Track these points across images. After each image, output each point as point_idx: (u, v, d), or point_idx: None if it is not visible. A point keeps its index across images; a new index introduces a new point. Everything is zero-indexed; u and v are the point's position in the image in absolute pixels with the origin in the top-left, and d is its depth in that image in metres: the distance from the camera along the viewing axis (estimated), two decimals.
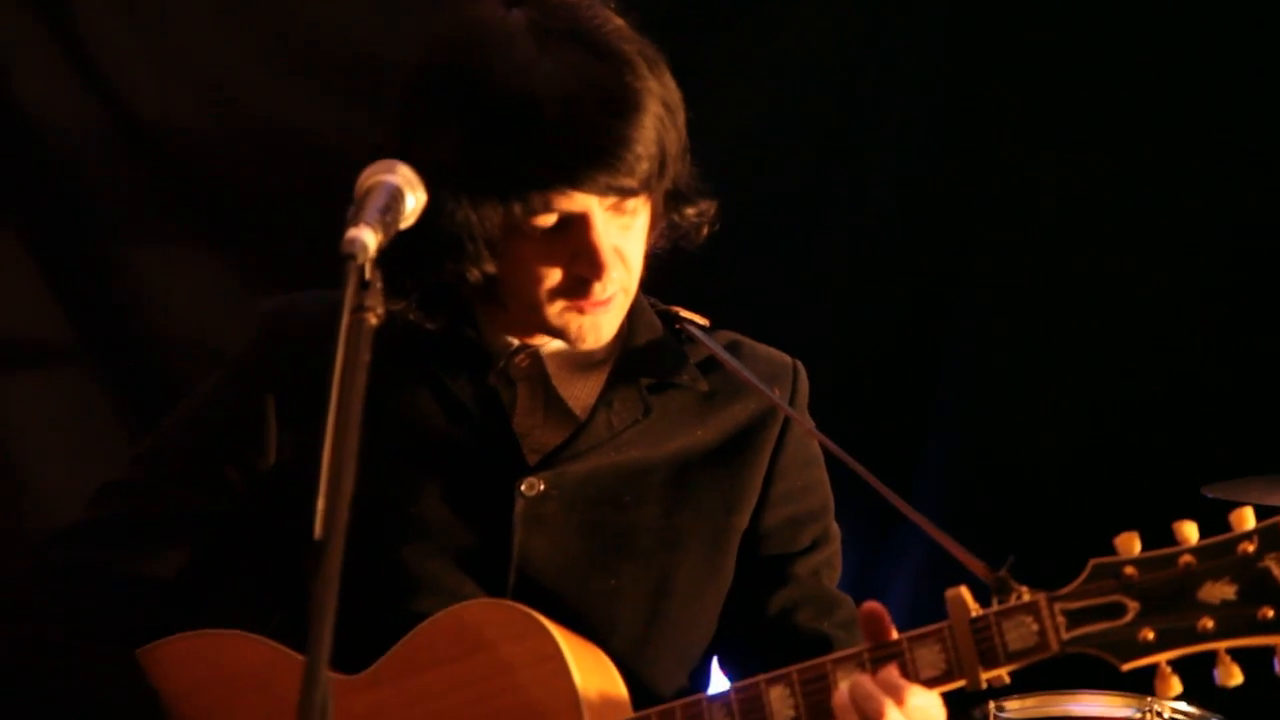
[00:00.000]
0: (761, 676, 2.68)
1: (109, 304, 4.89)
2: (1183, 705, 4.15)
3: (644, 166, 2.72)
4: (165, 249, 4.88)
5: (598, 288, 2.78)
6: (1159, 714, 4.12)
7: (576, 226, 2.76)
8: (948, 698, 4.18)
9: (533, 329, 2.90)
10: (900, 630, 2.65)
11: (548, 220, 2.76)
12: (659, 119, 2.75)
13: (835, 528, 3.05)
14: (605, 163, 2.70)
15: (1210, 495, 4.15)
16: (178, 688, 2.89)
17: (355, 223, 2.34)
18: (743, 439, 2.98)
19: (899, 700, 2.58)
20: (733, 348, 3.00)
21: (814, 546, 3.01)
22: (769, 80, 5.04)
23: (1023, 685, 4.15)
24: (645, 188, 2.75)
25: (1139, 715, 4.14)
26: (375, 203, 2.41)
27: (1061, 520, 4.67)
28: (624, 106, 2.72)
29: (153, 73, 4.84)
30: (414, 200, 2.46)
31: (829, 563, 3.03)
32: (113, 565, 2.92)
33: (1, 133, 4.83)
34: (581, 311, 2.81)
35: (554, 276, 2.79)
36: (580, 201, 2.73)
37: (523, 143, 2.70)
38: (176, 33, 4.83)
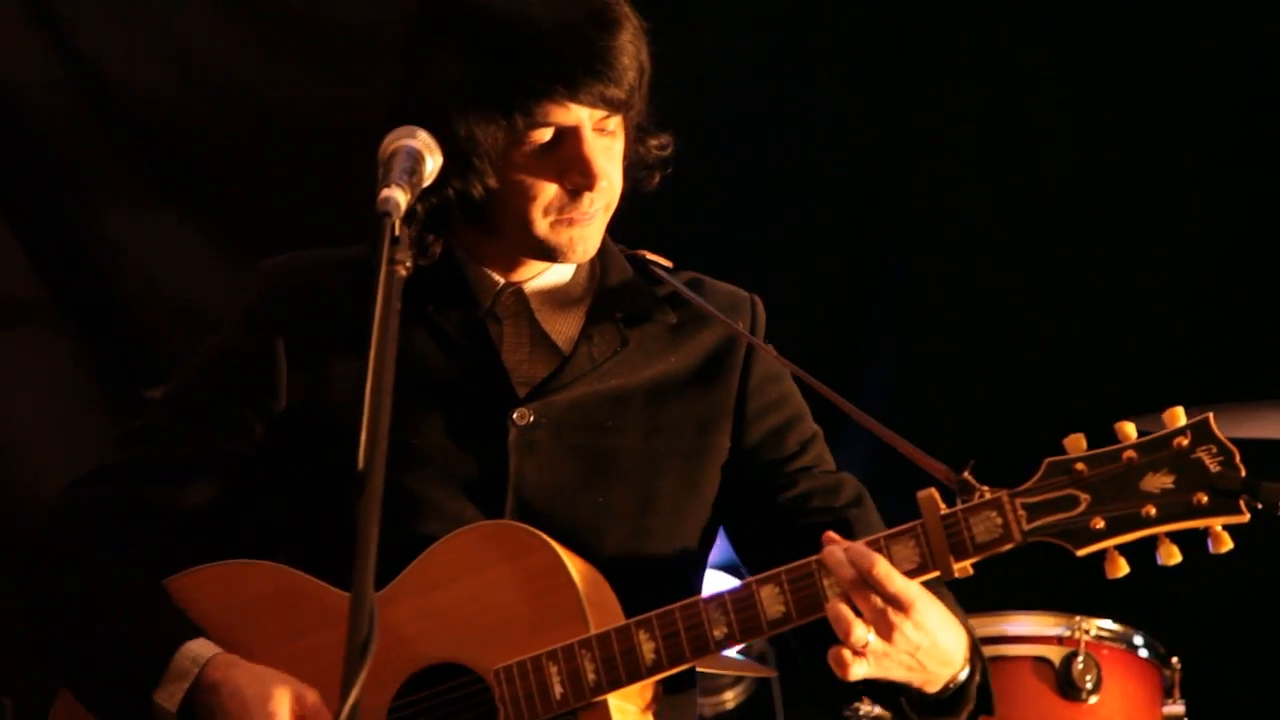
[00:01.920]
0: (752, 578, 2.91)
1: (83, 269, 5.00)
2: (1106, 623, 4.40)
3: (629, 78, 2.98)
4: (142, 217, 5.00)
5: (587, 199, 3.03)
6: (1086, 631, 4.36)
7: (569, 141, 3.00)
8: None
9: (518, 256, 3.12)
10: None
11: (544, 135, 3.00)
12: (636, 40, 3.01)
13: (814, 426, 3.25)
14: (598, 71, 2.96)
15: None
16: (203, 612, 3.06)
17: (386, 184, 2.62)
18: (711, 365, 3.20)
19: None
20: (694, 285, 3.23)
21: (802, 450, 3.21)
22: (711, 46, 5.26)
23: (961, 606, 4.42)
24: (629, 103, 3.01)
25: (1068, 633, 4.38)
26: (401, 165, 2.69)
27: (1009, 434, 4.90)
28: (610, 25, 2.98)
29: (126, 41, 4.96)
30: (432, 162, 2.74)
31: (820, 458, 3.23)
32: (139, 501, 3.10)
33: None
34: (571, 224, 3.05)
35: (548, 191, 3.02)
36: (574, 114, 2.98)
37: (522, 58, 2.95)
38: (152, 8, 4.98)
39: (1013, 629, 4.41)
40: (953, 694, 2.95)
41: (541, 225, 3.05)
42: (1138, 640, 4.45)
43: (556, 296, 3.17)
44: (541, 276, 3.15)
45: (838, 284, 5.43)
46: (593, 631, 2.93)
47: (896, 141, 5.39)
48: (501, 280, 3.14)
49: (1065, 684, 4.34)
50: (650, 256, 3.25)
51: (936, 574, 2.85)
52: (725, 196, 5.27)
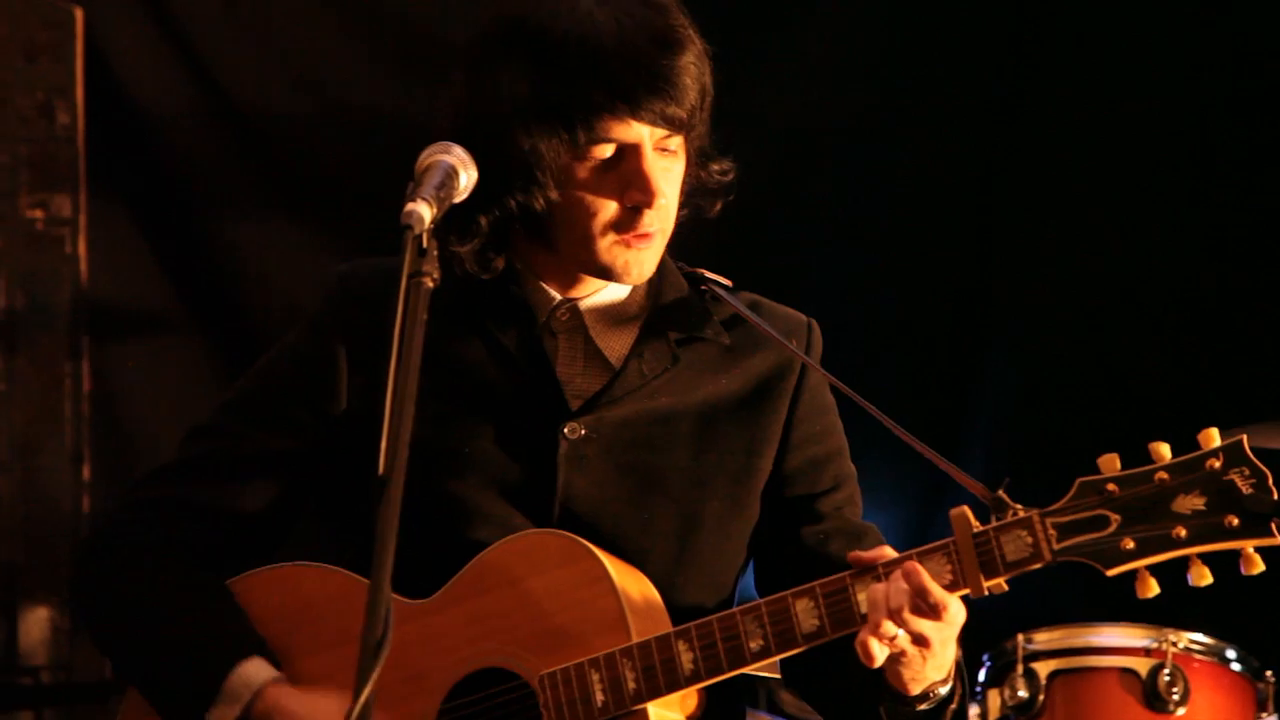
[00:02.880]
0: (788, 591, 2.95)
1: (212, 277, 5.24)
2: (1198, 636, 4.40)
3: (690, 99, 3.03)
4: (260, 224, 5.22)
5: (646, 217, 3.07)
6: (1174, 643, 4.36)
7: (630, 157, 3.05)
8: (982, 633, 4.42)
9: (576, 273, 3.17)
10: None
11: (605, 151, 3.05)
12: (699, 62, 3.05)
13: (851, 467, 3.29)
14: (659, 89, 3.01)
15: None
16: (261, 614, 3.13)
17: (413, 198, 2.69)
18: (763, 388, 3.22)
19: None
20: (753, 306, 3.26)
21: (835, 486, 3.24)
22: (818, 73, 5.31)
23: (1048, 619, 4.41)
24: (690, 123, 3.05)
25: (1155, 645, 4.39)
26: (432, 180, 2.75)
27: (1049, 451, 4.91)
28: (673, 45, 3.03)
29: (251, 59, 5.19)
30: (466, 177, 2.80)
31: (851, 499, 3.26)
32: (197, 501, 3.19)
33: (111, 121, 5.10)
34: (628, 246, 3.09)
35: (608, 208, 3.07)
36: (635, 130, 3.03)
37: (586, 75, 3.00)
38: (273, 24, 5.18)
39: (1100, 640, 4.44)
40: (931, 709, 2.97)
41: (601, 243, 3.09)
42: (1230, 654, 4.44)
43: (612, 313, 3.21)
44: (598, 294, 3.20)
45: (954, 309, 5.44)
46: (634, 640, 2.98)
47: (1014, 159, 5.38)
48: (559, 296, 3.19)
49: (1151, 695, 4.36)
50: (709, 275, 3.27)
51: (966, 591, 2.87)
52: (835, 218, 5.30)
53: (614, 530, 3.11)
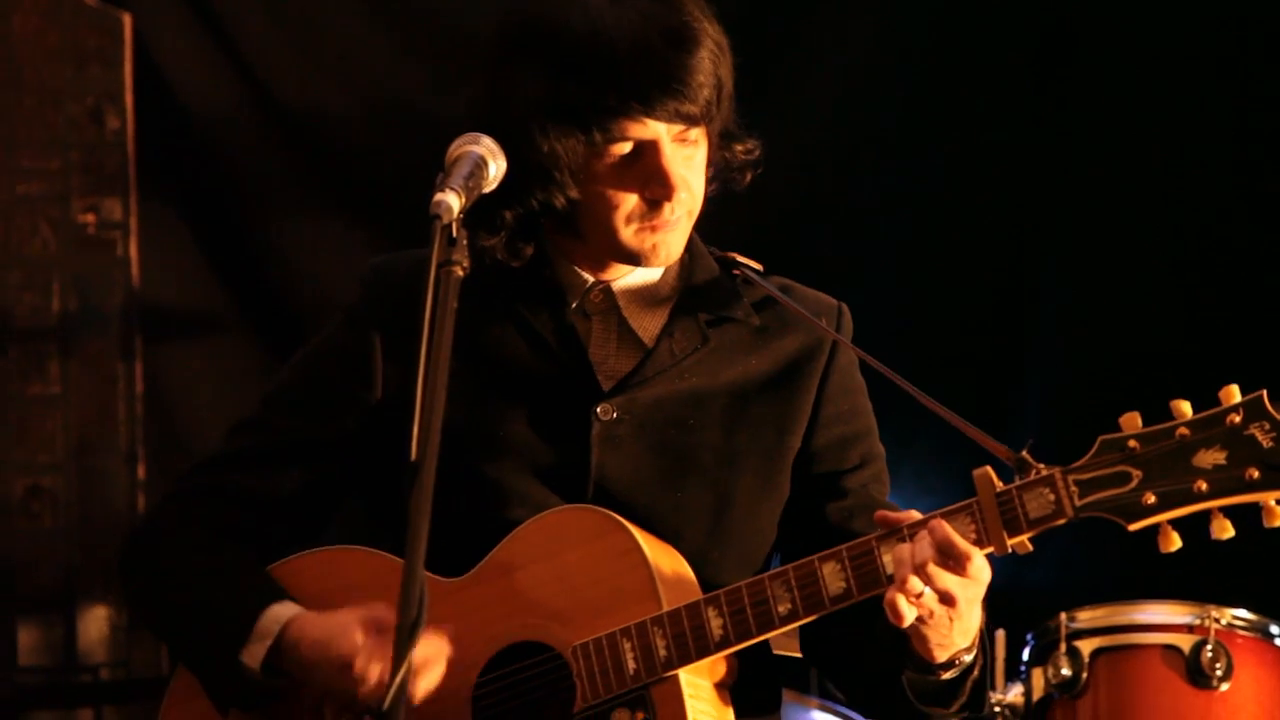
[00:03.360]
0: (815, 555, 2.99)
1: (261, 277, 5.34)
2: (1241, 611, 4.41)
3: (705, 94, 3.06)
4: (308, 223, 5.32)
5: (668, 208, 3.11)
6: (1217, 620, 4.37)
7: (648, 153, 3.09)
8: (1026, 613, 4.42)
9: (606, 259, 3.22)
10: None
11: (623, 148, 3.10)
12: (714, 55, 3.08)
13: (880, 447, 3.33)
14: (673, 89, 3.04)
15: None
16: (304, 596, 3.19)
17: (442, 188, 2.76)
18: (793, 369, 3.26)
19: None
20: (784, 290, 3.30)
21: (862, 464, 3.28)
22: (855, 67, 5.35)
23: (1091, 597, 4.42)
24: (706, 116, 3.09)
25: (1198, 621, 4.40)
26: (461, 170, 2.82)
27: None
28: (686, 42, 3.06)
29: (297, 61, 5.29)
30: (495, 168, 2.87)
31: (877, 477, 3.30)
32: (239, 489, 3.26)
33: (160, 119, 5.19)
34: (654, 230, 3.14)
35: (630, 201, 3.11)
36: (651, 128, 3.07)
37: (601, 76, 3.05)
38: (314, 22, 5.28)
39: (1143, 617, 4.45)
40: (954, 678, 3.00)
41: (625, 232, 3.14)
42: (1274, 629, 4.44)
43: (644, 294, 3.26)
44: (630, 275, 3.25)
45: (998, 298, 5.47)
46: (665, 610, 3.02)
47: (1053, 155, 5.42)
48: (591, 278, 3.23)
49: (1195, 672, 4.36)
50: (741, 259, 3.32)
51: (991, 548, 2.90)
52: (878, 211, 5.34)
53: (648, 509, 3.15)
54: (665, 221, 3.12)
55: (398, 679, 2.34)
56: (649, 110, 3.04)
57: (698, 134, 3.12)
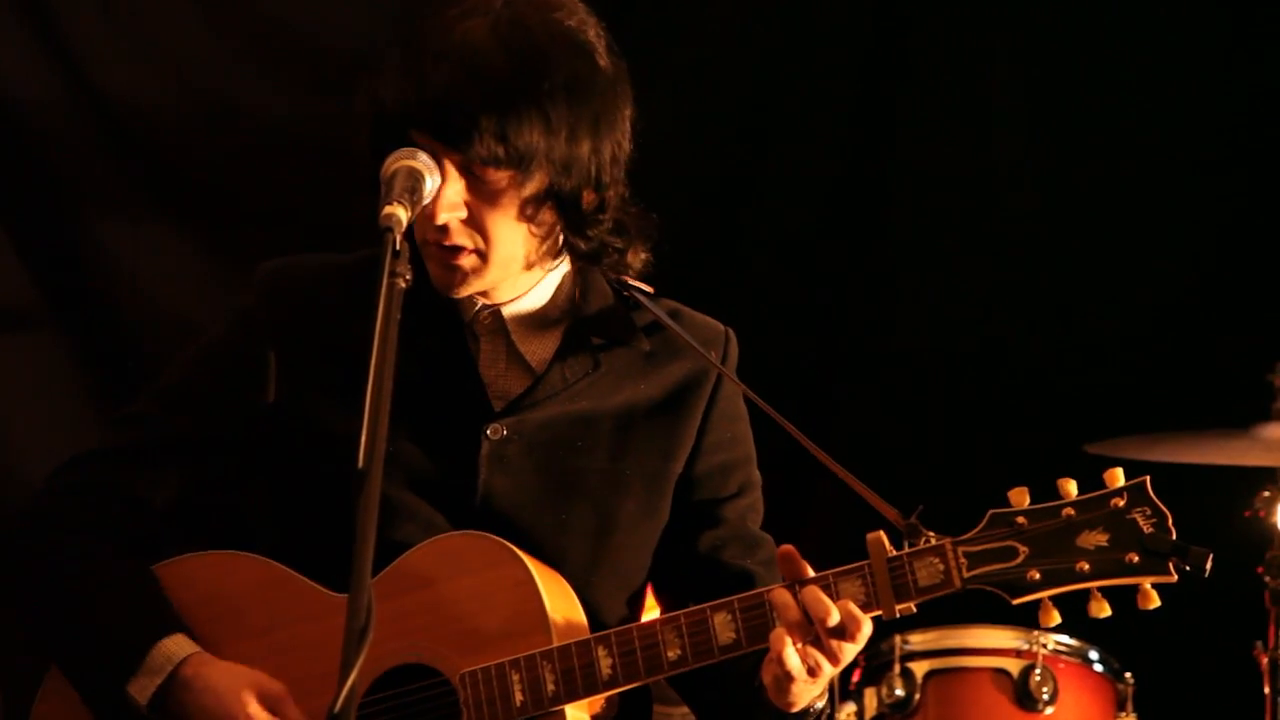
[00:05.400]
0: (707, 604, 3.07)
1: (76, 274, 5.15)
2: (1064, 638, 4.60)
3: (482, 140, 3.04)
4: (136, 229, 5.15)
5: (445, 231, 3.10)
6: (1044, 645, 4.57)
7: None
8: None
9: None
10: (817, 569, 3.03)
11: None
12: (523, 116, 3.06)
13: (758, 476, 3.40)
14: (440, 118, 3.04)
15: (1091, 451, 4.57)
16: (185, 600, 3.21)
17: (388, 201, 2.82)
18: (680, 394, 3.32)
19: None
20: (673, 314, 3.35)
21: (740, 492, 3.35)
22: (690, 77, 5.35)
23: (924, 620, 4.56)
24: (490, 161, 3.06)
25: (1026, 646, 4.59)
26: (401, 184, 2.88)
27: (963, 473, 5.05)
28: (487, 83, 3.05)
29: (125, 57, 5.11)
30: (431, 182, 2.93)
31: (753, 506, 3.37)
32: (122, 486, 3.25)
33: None
34: (439, 257, 3.14)
35: (422, 216, 3.06)
36: (433, 145, 3.06)
37: (395, 81, 3.08)
38: (146, 20, 5.10)
39: (973, 641, 4.61)
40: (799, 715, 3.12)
41: (426, 253, 3.15)
42: (1093, 655, 4.64)
43: (534, 319, 3.29)
44: (520, 300, 3.27)
45: (811, 323, 5.53)
46: (555, 644, 3.09)
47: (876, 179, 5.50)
48: (480, 301, 3.26)
49: (1023, 695, 4.54)
50: (632, 283, 3.35)
51: (879, 613, 3.01)
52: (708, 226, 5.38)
53: (532, 529, 3.20)
54: (443, 247, 3.12)
55: (345, 689, 2.37)
56: (420, 126, 3.05)
57: (498, 177, 3.09)
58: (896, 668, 4.59)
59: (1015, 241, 5.42)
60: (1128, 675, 4.67)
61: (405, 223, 2.78)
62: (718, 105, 5.40)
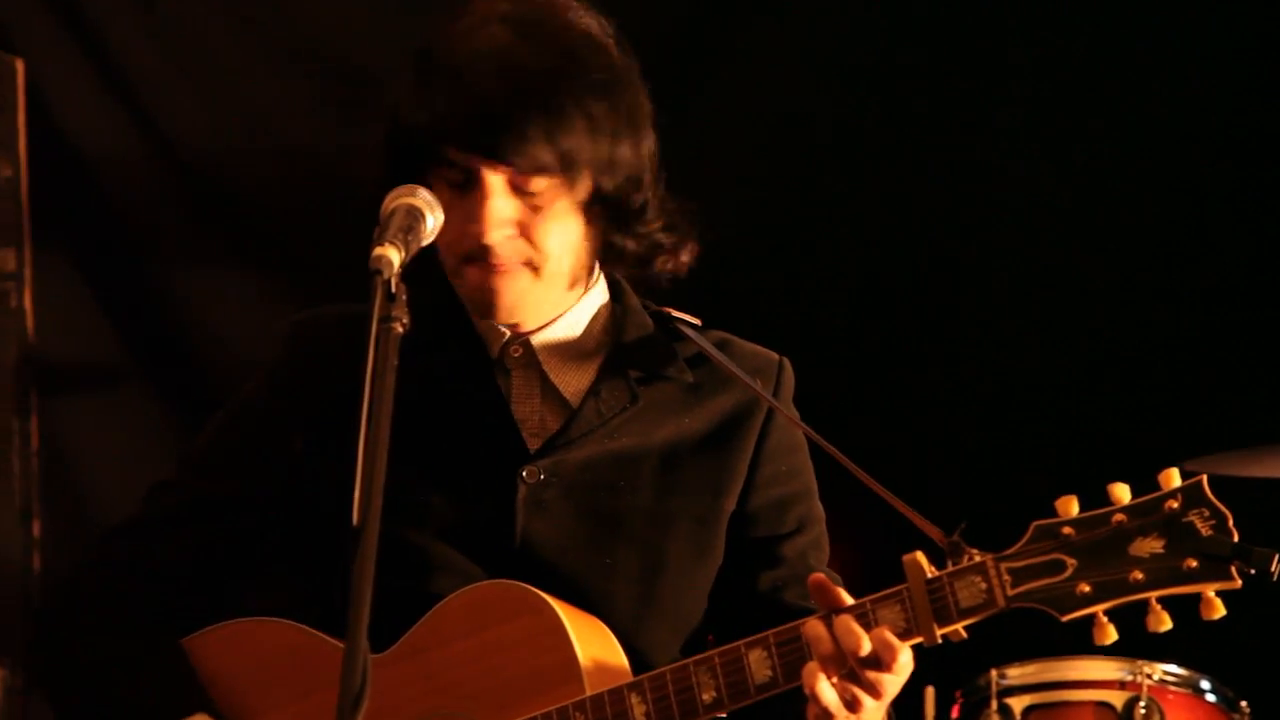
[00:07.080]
0: (741, 641, 2.96)
1: (159, 327, 5.27)
2: (1172, 667, 4.43)
3: (530, 148, 3.00)
4: (208, 272, 5.26)
5: (493, 251, 3.05)
6: (1149, 675, 4.39)
7: (475, 188, 3.04)
8: (953, 665, 4.41)
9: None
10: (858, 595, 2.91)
11: (454, 176, 3.05)
12: (567, 117, 3.02)
13: (819, 510, 3.29)
14: (482, 129, 3.00)
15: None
16: (215, 672, 3.18)
17: (380, 242, 2.71)
18: (729, 427, 3.23)
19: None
20: (722, 345, 3.26)
21: (800, 529, 3.25)
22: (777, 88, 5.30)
23: (1023, 653, 4.41)
24: (539, 169, 3.02)
25: (1130, 677, 4.41)
26: (398, 223, 2.78)
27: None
28: (526, 88, 3.01)
29: (196, 106, 5.23)
30: (433, 220, 2.83)
31: (816, 544, 3.27)
32: (158, 557, 3.23)
33: (54, 167, 5.14)
34: (485, 279, 3.09)
35: (460, 238, 3.05)
36: (473, 162, 3.02)
37: (424, 100, 3.04)
38: (214, 68, 5.22)
39: (1074, 673, 4.46)
40: None
41: (462, 276, 3.10)
42: (1204, 684, 4.48)
43: (568, 349, 3.21)
44: (550, 329, 3.20)
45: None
46: (588, 693, 3.00)
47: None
48: (507, 332, 3.18)
49: None
50: (676, 314, 3.28)
51: (920, 639, 2.87)
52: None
53: (576, 575, 3.12)
54: (492, 264, 3.06)
55: None
56: (458, 143, 3.01)
57: (543, 185, 3.05)
58: (994, 704, 4.46)
59: (1072, 253, 5.30)
60: (1243, 704, 4.51)
61: (398, 265, 2.67)
62: (777, 130, 5.32)
